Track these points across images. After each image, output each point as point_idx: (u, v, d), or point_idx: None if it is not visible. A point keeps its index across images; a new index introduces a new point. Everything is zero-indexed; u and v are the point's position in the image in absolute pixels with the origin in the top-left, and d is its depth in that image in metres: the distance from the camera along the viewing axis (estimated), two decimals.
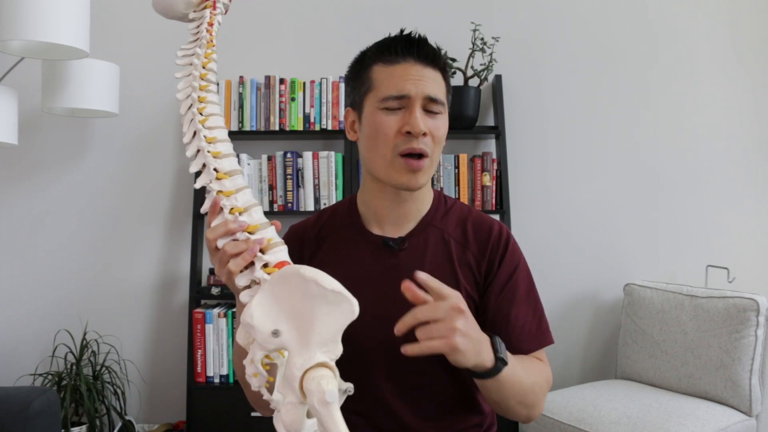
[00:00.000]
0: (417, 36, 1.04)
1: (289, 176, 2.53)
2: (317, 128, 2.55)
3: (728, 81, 2.68)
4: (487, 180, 2.52)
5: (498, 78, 2.62)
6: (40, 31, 1.94)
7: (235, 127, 2.55)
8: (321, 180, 2.52)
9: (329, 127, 2.54)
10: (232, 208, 0.84)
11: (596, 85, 2.68)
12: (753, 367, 2.08)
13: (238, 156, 2.51)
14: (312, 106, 2.55)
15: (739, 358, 2.08)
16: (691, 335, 2.20)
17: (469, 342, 0.84)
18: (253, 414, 2.36)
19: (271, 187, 2.54)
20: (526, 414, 1.00)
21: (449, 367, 1.04)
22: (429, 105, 1.02)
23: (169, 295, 2.71)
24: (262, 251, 0.81)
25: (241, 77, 2.56)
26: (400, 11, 2.69)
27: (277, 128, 2.55)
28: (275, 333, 0.71)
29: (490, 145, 2.68)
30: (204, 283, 2.63)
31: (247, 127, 2.55)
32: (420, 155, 1.01)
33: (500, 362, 0.89)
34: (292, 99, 2.55)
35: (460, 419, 1.09)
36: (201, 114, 0.89)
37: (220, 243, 0.82)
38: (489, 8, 2.67)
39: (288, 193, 2.53)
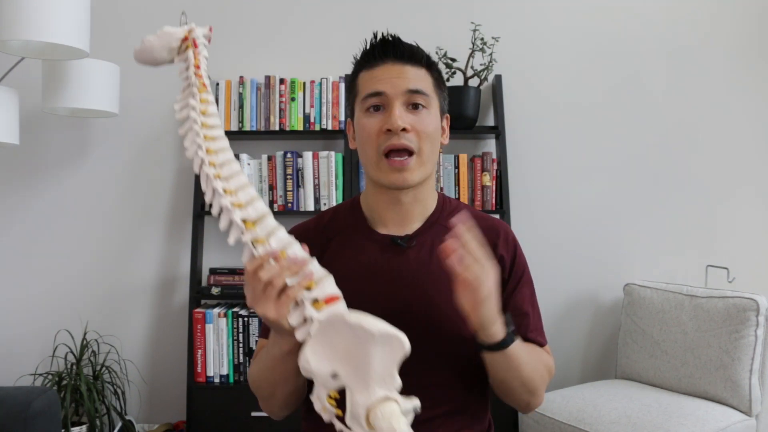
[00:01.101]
0: (391, 36, 1.05)
1: (289, 176, 2.53)
2: (317, 128, 2.55)
3: (728, 81, 2.68)
4: (487, 180, 2.52)
5: (498, 78, 2.62)
6: (40, 31, 1.94)
7: (235, 127, 2.55)
8: (321, 180, 2.52)
9: (329, 127, 2.54)
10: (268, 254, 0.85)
11: (596, 85, 2.68)
12: (753, 367, 2.08)
13: (238, 156, 2.51)
14: (312, 106, 2.55)
15: (739, 358, 2.08)
16: (691, 335, 2.20)
17: (492, 302, 0.90)
18: (254, 414, 2.36)
19: (271, 187, 2.54)
20: (527, 400, 1.04)
21: (456, 365, 1.05)
22: (412, 98, 1.02)
23: (169, 295, 2.71)
24: (308, 288, 0.82)
25: (241, 77, 2.56)
26: (400, 11, 2.69)
27: (277, 128, 2.55)
28: (334, 375, 0.75)
29: (490, 145, 2.68)
30: (204, 283, 2.63)
31: (247, 127, 2.55)
32: (405, 151, 1.01)
33: (510, 335, 0.94)
34: (292, 99, 2.55)
35: (462, 420, 1.09)
36: (214, 167, 0.88)
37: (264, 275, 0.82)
38: (489, 8, 2.67)
39: (288, 193, 2.53)
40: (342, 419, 0.78)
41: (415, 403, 0.77)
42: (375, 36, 1.06)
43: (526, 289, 1.12)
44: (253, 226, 0.85)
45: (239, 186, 0.87)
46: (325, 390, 0.77)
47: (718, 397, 2.11)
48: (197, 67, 0.96)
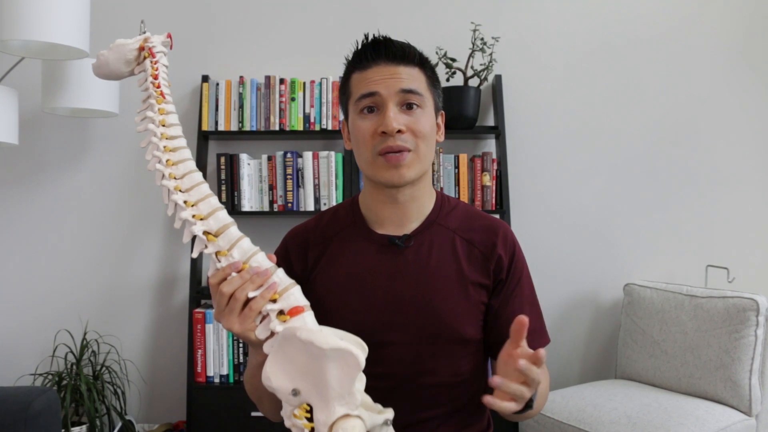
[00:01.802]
0: (382, 37, 1.05)
1: (289, 176, 2.53)
2: (317, 128, 2.55)
3: (729, 81, 2.68)
4: (487, 180, 2.52)
5: (498, 78, 2.62)
6: (40, 31, 1.94)
7: (235, 127, 2.55)
8: (321, 180, 2.52)
9: (329, 127, 2.54)
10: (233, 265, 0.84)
11: (596, 85, 2.68)
12: (753, 367, 2.08)
13: (238, 156, 2.51)
14: (312, 106, 2.55)
15: (738, 357, 2.08)
16: (691, 335, 2.20)
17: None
18: (254, 414, 2.36)
19: (271, 187, 2.54)
20: (533, 416, 1.06)
21: (454, 365, 1.05)
22: (407, 98, 1.02)
23: (169, 295, 2.71)
24: (273, 300, 0.81)
25: (241, 77, 2.56)
26: (400, 11, 2.69)
27: (277, 128, 2.55)
28: (294, 392, 0.74)
29: (490, 145, 2.68)
30: (204, 283, 2.62)
31: (247, 127, 2.55)
32: (400, 152, 1.01)
33: (531, 400, 0.88)
34: (292, 99, 2.55)
35: (461, 420, 1.09)
36: (174, 179, 0.88)
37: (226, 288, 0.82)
38: (489, 8, 2.67)
39: (288, 193, 2.53)
40: None
41: (387, 415, 0.76)
42: (366, 37, 1.06)
43: (525, 289, 1.11)
44: (215, 238, 0.84)
45: (200, 197, 0.86)
46: (289, 407, 0.76)
47: (718, 397, 2.11)
48: (155, 77, 0.94)
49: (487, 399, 0.81)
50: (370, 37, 1.06)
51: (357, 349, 0.71)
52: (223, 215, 0.86)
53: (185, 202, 0.86)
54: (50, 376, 2.46)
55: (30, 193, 2.71)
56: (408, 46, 1.06)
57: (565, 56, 2.69)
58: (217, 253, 0.84)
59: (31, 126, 2.67)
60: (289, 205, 2.53)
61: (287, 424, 0.78)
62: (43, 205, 2.70)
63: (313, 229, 1.13)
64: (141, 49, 0.96)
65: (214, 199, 0.87)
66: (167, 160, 0.88)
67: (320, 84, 2.55)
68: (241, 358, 2.46)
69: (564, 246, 2.67)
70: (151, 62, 0.95)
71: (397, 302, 1.02)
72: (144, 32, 1.00)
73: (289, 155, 2.53)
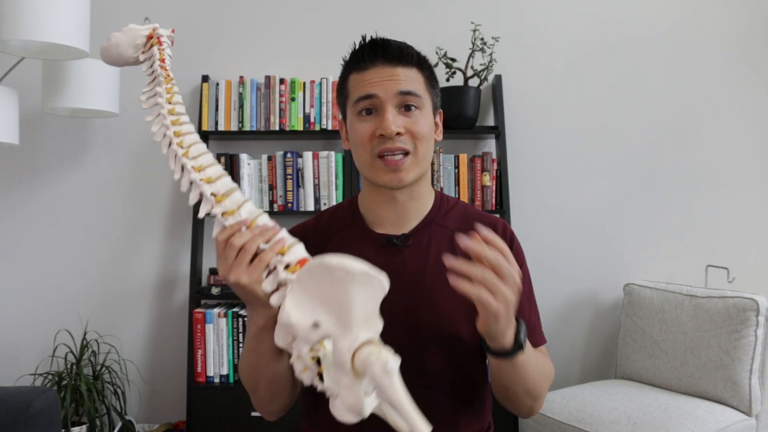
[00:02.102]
0: (380, 39, 1.05)
1: (289, 176, 2.53)
2: (317, 128, 2.55)
3: (729, 81, 2.68)
4: (487, 180, 2.52)
5: (498, 78, 2.62)
6: (40, 31, 1.94)
7: (235, 127, 2.55)
8: (321, 180, 2.52)
9: (329, 127, 2.54)
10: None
11: (596, 85, 2.68)
12: (753, 367, 2.08)
13: (238, 156, 2.51)
14: (312, 106, 2.55)
15: (739, 357, 2.08)
16: (691, 335, 2.20)
17: (509, 317, 0.85)
18: (253, 414, 2.36)
19: (271, 187, 2.54)
20: (529, 405, 1.02)
21: (453, 369, 1.05)
22: (405, 100, 1.02)
23: (169, 295, 2.71)
24: (281, 253, 0.83)
25: (241, 77, 2.56)
26: (400, 11, 2.69)
27: (277, 128, 2.55)
28: (315, 325, 0.74)
29: (490, 145, 2.68)
30: (204, 283, 2.63)
31: (247, 127, 2.55)
32: (399, 152, 1.01)
33: (518, 345, 0.90)
34: (292, 99, 2.55)
35: (460, 421, 1.09)
36: (182, 147, 0.91)
37: (236, 241, 0.84)
38: (489, 8, 2.67)
39: (288, 193, 2.53)
40: (322, 379, 0.78)
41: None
42: (363, 38, 1.06)
43: (524, 284, 1.09)
44: (223, 198, 0.87)
45: (207, 163, 0.90)
46: (306, 345, 0.76)
47: (718, 397, 2.11)
48: (162, 60, 0.99)
49: (455, 281, 0.81)
50: (368, 39, 1.06)
51: (382, 274, 0.73)
52: (229, 180, 0.90)
53: (193, 167, 0.89)
54: (50, 376, 2.46)
55: (30, 193, 2.71)
56: (406, 46, 1.05)
57: (565, 56, 2.69)
58: (223, 213, 0.87)
59: (31, 126, 2.67)
60: (289, 205, 2.53)
61: (298, 368, 0.79)
62: (43, 205, 2.70)
63: (313, 229, 1.13)
64: (150, 37, 1.01)
65: (219, 167, 0.91)
66: (175, 131, 0.93)
67: (320, 84, 2.55)
68: None
69: (564, 246, 2.67)
70: (159, 49, 0.99)
71: (394, 302, 1.02)
72: (151, 23, 1.05)
73: (289, 155, 2.53)
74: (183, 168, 0.91)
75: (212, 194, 0.88)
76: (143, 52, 1.02)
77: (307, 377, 0.79)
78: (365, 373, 0.70)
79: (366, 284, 0.72)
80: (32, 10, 1.92)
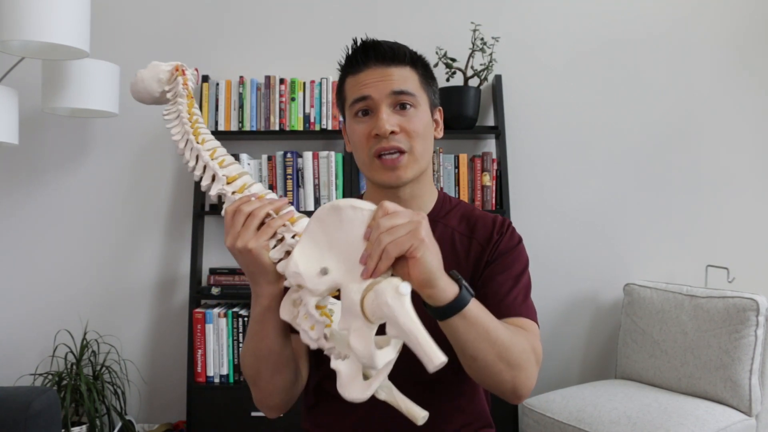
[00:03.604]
0: (371, 41, 1.06)
1: (289, 176, 2.53)
2: (317, 128, 2.55)
3: (729, 81, 2.68)
4: (487, 180, 2.52)
5: (498, 78, 2.62)
6: (40, 31, 1.94)
7: (235, 127, 2.55)
8: (321, 180, 2.52)
9: (329, 127, 2.54)
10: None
11: (596, 85, 2.68)
12: (753, 367, 2.08)
13: (238, 156, 2.51)
14: (312, 106, 2.55)
15: (738, 358, 2.08)
16: (691, 335, 2.20)
17: (433, 256, 0.75)
18: (254, 414, 2.36)
19: (271, 187, 2.54)
20: (510, 378, 0.90)
21: (452, 367, 1.05)
22: (399, 99, 1.03)
23: (169, 295, 2.71)
24: (290, 222, 0.85)
25: (241, 77, 2.56)
26: (400, 11, 2.69)
27: (277, 128, 2.55)
28: (323, 271, 0.74)
29: (490, 145, 2.68)
30: (204, 283, 2.63)
31: (247, 127, 2.55)
32: (396, 152, 1.02)
33: (465, 292, 0.81)
34: (292, 99, 2.55)
35: (459, 418, 1.09)
36: (197, 139, 0.96)
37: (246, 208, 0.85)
38: (489, 8, 2.67)
39: (288, 193, 2.53)
40: (327, 339, 0.78)
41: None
42: (355, 41, 1.07)
43: (513, 265, 1.07)
44: (234, 178, 0.92)
45: (220, 153, 0.94)
46: (314, 298, 0.76)
47: (718, 397, 2.11)
48: (185, 84, 1.03)
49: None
50: (359, 41, 1.07)
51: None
52: (240, 167, 0.94)
53: (207, 151, 0.94)
54: (50, 376, 2.46)
55: (30, 193, 2.71)
56: (398, 46, 1.06)
57: (565, 56, 2.69)
58: (233, 192, 0.90)
59: (31, 126, 2.67)
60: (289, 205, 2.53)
61: (305, 325, 0.78)
62: (43, 205, 2.70)
63: None
64: (175, 69, 1.05)
65: (232, 158, 0.95)
66: (193, 131, 0.97)
67: (320, 84, 2.55)
68: None
69: (564, 246, 2.67)
70: (183, 78, 1.04)
71: None
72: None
73: (289, 155, 2.53)
74: (198, 156, 0.95)
75: (224, 175, 0.92)
76: (169, 84, 1.06)
77: (314, 334, 0.77)
78: (375, 307, 0.68)
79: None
80: (32, 10, 1.92)
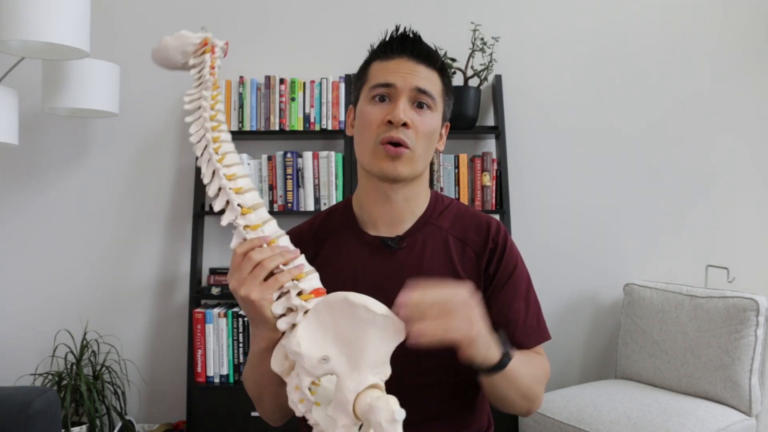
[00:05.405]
0: (412, 34, 1.06)
1: (289, 176, 2.53)
2: (317, 128, 2.55)
3: (729, 81, 2.68)
4: (487, 180, 2.52)
5: (498, 78, 2.62)
6: (40, 31, 1.94)
7: (235, 127, 2.55)
8: (321, 180, 2.52)
9: (329, 127, 2.54)
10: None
11: (596, 85, 2.68)
12: (753, 367, 2.08)
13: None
14: (312, 106, 2.55)
15: (738, 357, 2.08)
16: (691, 335, 2.20)
17: (483, 336, 0.84)
18: (254, 414, 2.36)
19: (271, 187, 2.54)
20: (527, 407, 1.01)
21: (451, 368, 1.04)
22: (418, 97, 1.02)
23: (169, 295, 2.71)
24: (297, 279, 0.83)
25: (241, 77, 2.56)
26: (400, 11, 2.69)
27: (277, 128, 2.55)
28: (324, 359, 0.73)
29: (490, 145, 2.68)
30: (204, 283, 2.63)
31: (247, 127, 2.55)
32: (400, 145, 1.01)
33: (506, 357, 0.90)
34: (292, 99, 2.55)
35: (460, 422, 1.09)
36: (217, 153, 0.91)
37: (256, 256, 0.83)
38: (489, 8, 2.67)
39: (288, 193, 2.53)
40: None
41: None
42: (396, 29, 1.07)
43: (520, 284, 1.08)
44: (249, 211, 0.87)
45: (240, 174, 0.90)
46: (309, 378, 0.75)
47: (718, 397, 2.11)
48: (212, 67, 0.99)
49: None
50: (400, 30, 1.07)
51: (402, 321, 0.73)
52: (257, 195, 0.90)
53: (225, 174, 0.89)
54: (50, 376, 2.46)
55: (30, 193, 2.71)
56: (434, 50, 1.07)
57: (565, 56, 2.69)
58: (245, 226, 0.86)
59: (31, 126, 2.67)
60: (289, 205, 2.53)
61: (294, 397, 0.78)
62: (43, 205, 2.70)
63: (308, 231, 1.13)
64: (203, 44, 1.01)
65: (250, 181, 0.91)
66: (213, 137, 0.93)
67: (320, 84, 2.55)
68: (241, 357, 2.46)
69: (564, 246, 2.67)
70: (211, 56, 1.00)
71: (390, 304, 1.02)
72: (206, 32, 1.04)
73: (289, 155, 2.53)
74: (214, 173, 0.90)
75: (239, 205, 0.87)
76: (193, 58, 1.02)
77: (301, 408, 0.78)
78: (366, 417, 0.69)
79: (385, 328, 0.72)
80: (32, 10, 1.92)
